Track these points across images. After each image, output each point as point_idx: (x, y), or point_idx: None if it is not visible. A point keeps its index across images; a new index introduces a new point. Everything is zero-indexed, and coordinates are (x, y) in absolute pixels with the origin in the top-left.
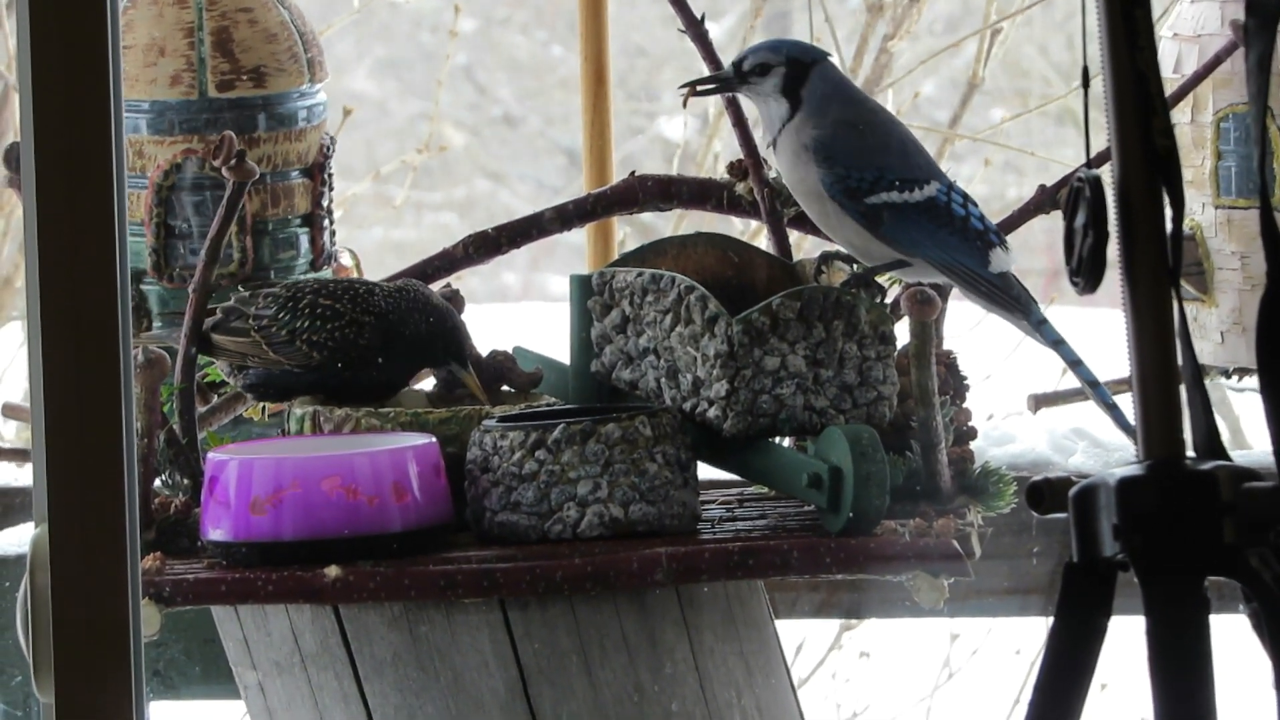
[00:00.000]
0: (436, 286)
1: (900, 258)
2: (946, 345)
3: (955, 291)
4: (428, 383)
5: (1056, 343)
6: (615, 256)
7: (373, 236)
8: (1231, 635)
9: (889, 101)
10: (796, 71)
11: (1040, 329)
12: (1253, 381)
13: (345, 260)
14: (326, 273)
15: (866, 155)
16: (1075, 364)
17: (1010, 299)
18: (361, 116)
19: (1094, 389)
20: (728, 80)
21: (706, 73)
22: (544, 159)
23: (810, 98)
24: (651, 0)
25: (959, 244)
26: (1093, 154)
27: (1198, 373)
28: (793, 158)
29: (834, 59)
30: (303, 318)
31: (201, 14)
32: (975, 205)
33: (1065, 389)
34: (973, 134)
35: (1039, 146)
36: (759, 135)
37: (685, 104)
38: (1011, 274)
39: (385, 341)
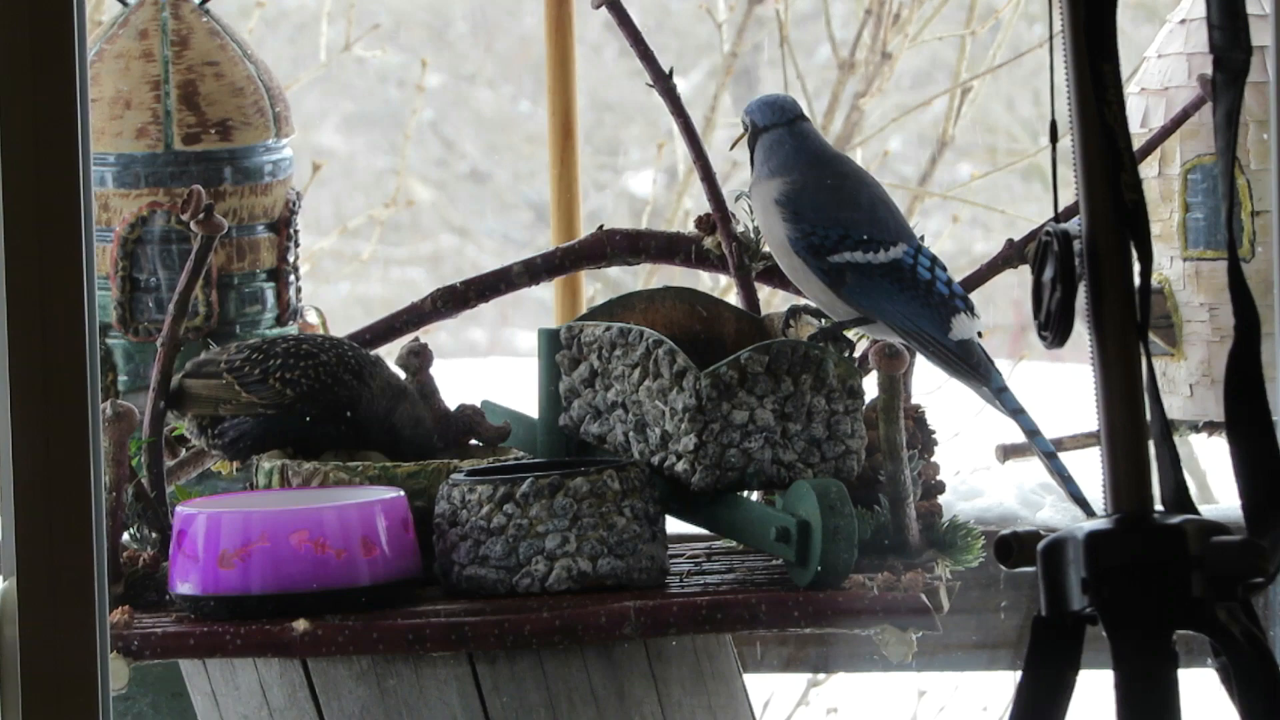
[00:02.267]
0: (404, 340)
1: (851, 314)
2: (914, 400)
3: None
4: None
5: (1016, 411)
6: (583, 311)
7: (339, 291)
8: (1200, 690)
9: (859, 159)
10: (759, 131)
11: (1000, 396)
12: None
13: (311, 318)
14: (292, 328)
15: (832, 212)
16: (1033, 434)
17: (969, 367)
18: (329, 171)
19: (1049, 459)
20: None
21: (674, 127)
22: (511, 214)
23: (775, 153)
24: (619, 55)
25: (920, 309)
26: (1061, 208)
27: (1166, 427)
28: (763, 210)
29: (807, 119)
30: (276, 357)
31: (168, 67)
32: (943, 269)
33: None
34: (942, 191)
35: (1006, 203)
36: (728, 190)
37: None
38: (974, 341)
39: (354, 400)
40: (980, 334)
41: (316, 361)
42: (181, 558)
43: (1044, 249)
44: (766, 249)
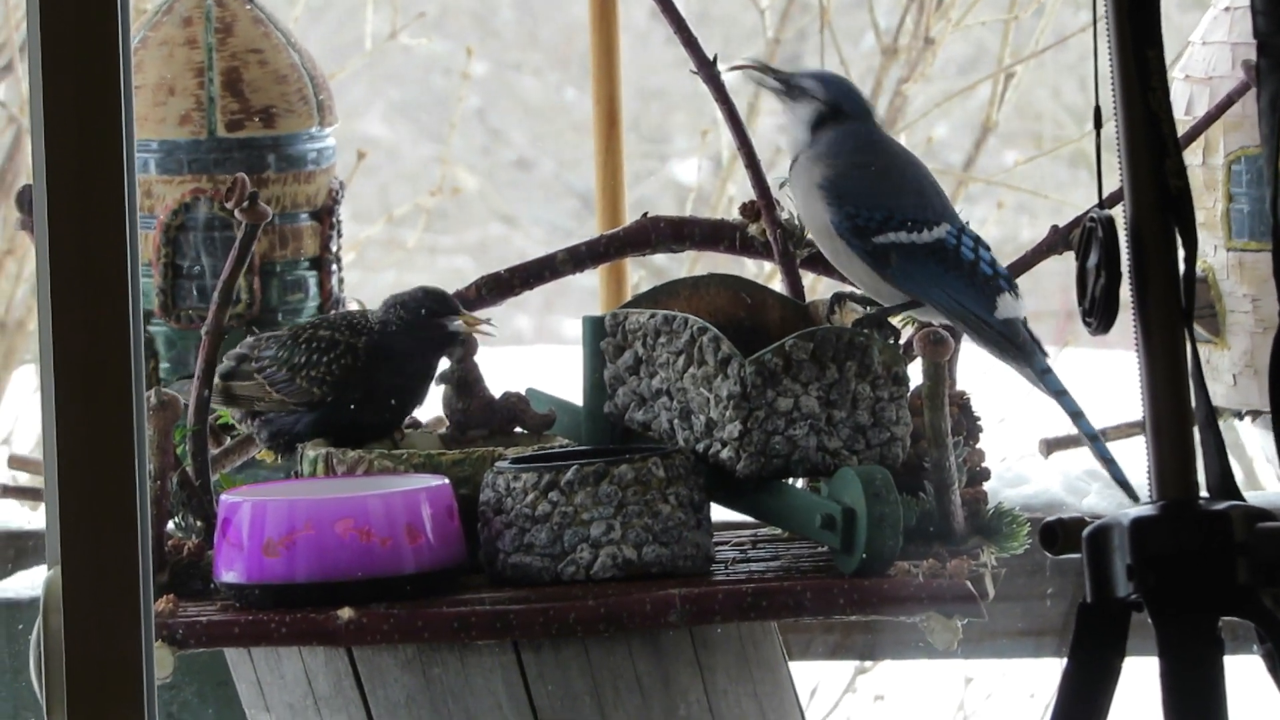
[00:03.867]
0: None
1: (911, 298)
2: (960, 386)
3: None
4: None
5: (1059, 393)
6: (628, 299)
7: (385, 280)
8: (1245, 676)
9: (903, 144)
10: (831, 113)
11: (1044, 378)
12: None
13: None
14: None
15: (877, 194)
16: (1076, 415)
17: (1015, 346)
18: (374, 160)
19: (1093, 442)
20: (775, 87)
21: (718, 114)
22: (557, 202)
23: (834, 138)
24: (664, 43)
25: (965, 288)
26: (1105, 194)
27: (1211, 413)
28: (804, 194)
29: (878, 118)
30: (300, 353)
31: (211, 54)
32: (987, 249)
33: (1077, 433)
34: (986, 177)
35: (1052, 189)
36: (772, 177)
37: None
38: (1019, 321)
39: (385, 353)
40: (1024, 318)
41: (337, 350)
42: (226, 546)
43: (1088, 235)
44: (810, 236)
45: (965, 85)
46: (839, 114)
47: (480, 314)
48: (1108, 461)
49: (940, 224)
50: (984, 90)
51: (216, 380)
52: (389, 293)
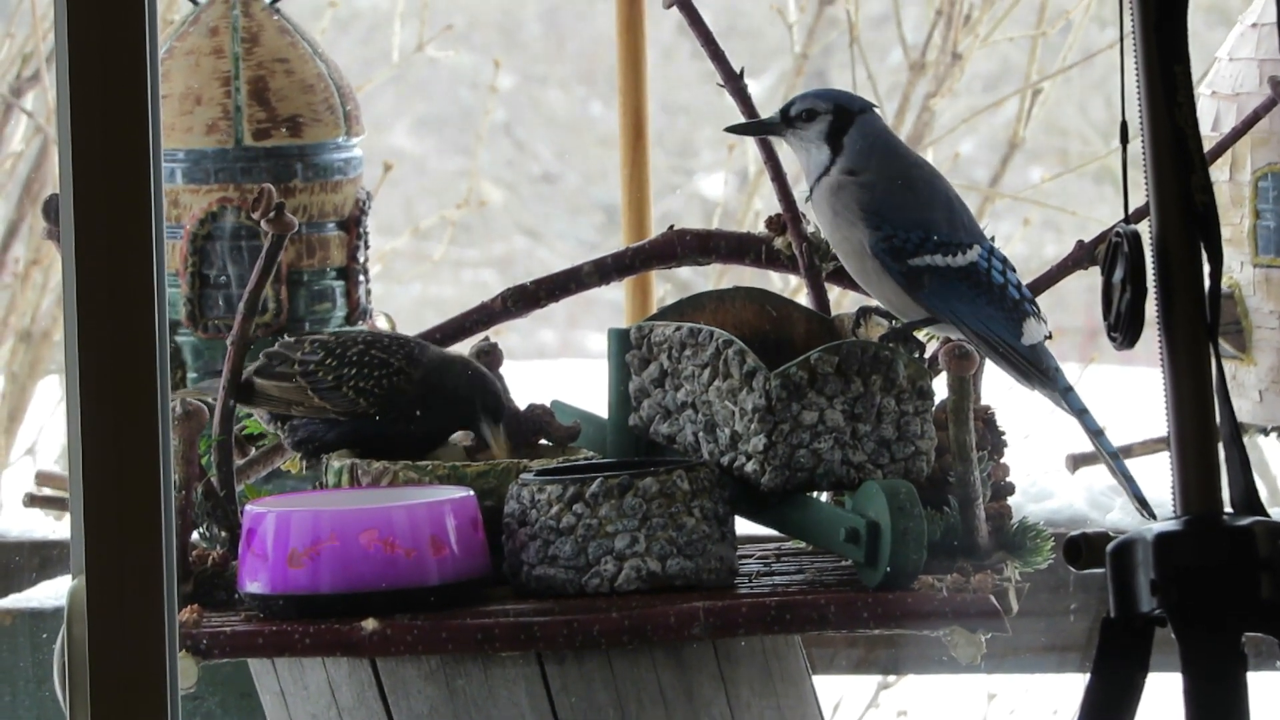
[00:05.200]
0: (474, 340)
1: (920, 315)
2: (984, 401)
3: None
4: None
5: (1081, 412)
6: (653, 312)
7: (411, 292)
8: (1269, 692)
9: (930, 160)
10: (842, 119)
11: (1066, 397)
12: None
13: (381, 323)
14: (362, 329)
15: (914, 215)
16: (1097, 434)
17: (1039, 372)
18: (400, 173)
19: (1113, 459)
20: (773, 124)
21: None
22: (582, 216)
23: (851, 145)
24: (691, 57)
25: (995, 313)
26: (1131, 210)
27: (1236, 429)
28: (833, 214)
29: (879, 110)
30: (350, 364)
31: (238, 63)
32: (1013, 271)
33: None
34: (1013, 193)
35: (1078, 205)
36: (798, 190)
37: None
38: (1043, 345)
39: (427, 394)
40: (1049, 336)
41: (390, 370)
42: (250, 556)
43: (1114, 250)
44: (835, 251)
45: (992, 101)
46: (846, 114)
47: (505, 328)
48: (1127, 479)
49: (973, 246)
50: (1011, 106)
51: (249, 374)
52: (414, 306)
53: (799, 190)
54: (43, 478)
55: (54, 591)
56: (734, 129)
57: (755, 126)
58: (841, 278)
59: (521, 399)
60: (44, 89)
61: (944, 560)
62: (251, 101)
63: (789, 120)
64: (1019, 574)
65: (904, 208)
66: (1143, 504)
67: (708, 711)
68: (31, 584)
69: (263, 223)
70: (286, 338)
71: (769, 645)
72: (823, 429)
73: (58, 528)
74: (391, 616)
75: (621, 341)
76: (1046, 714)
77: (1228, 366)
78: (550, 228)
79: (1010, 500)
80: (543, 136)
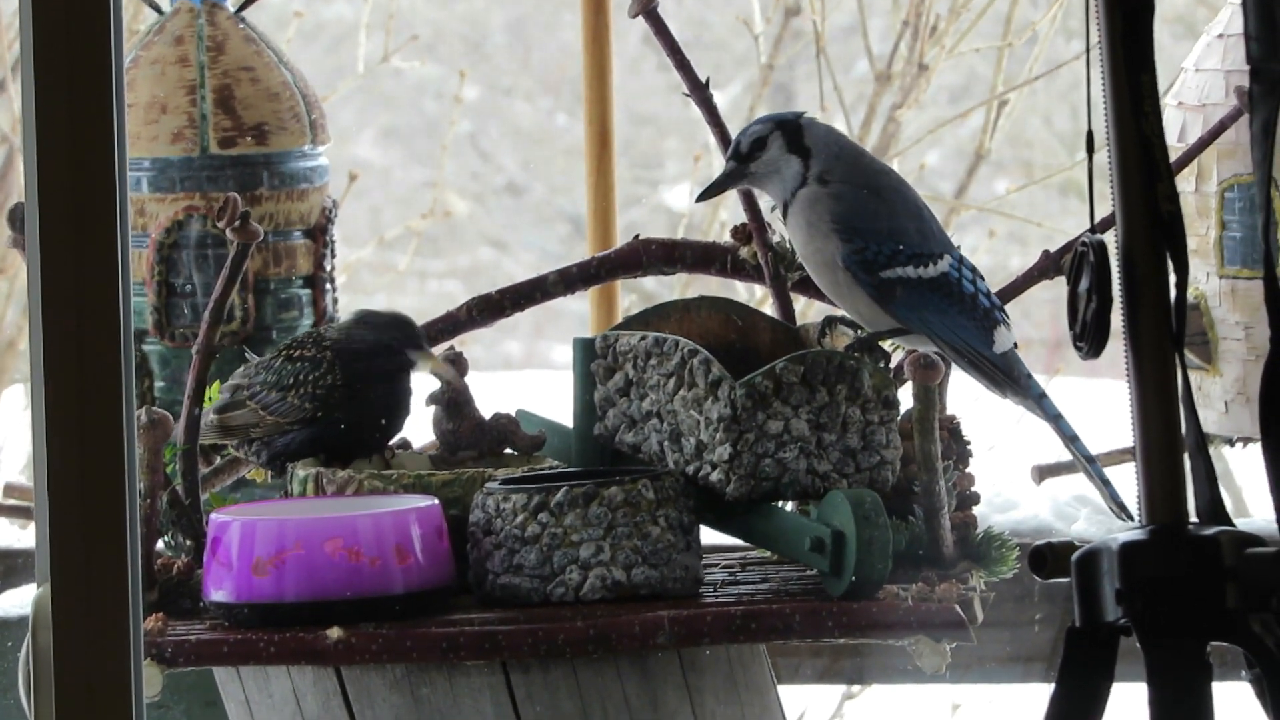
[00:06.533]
0: (439, 349)
1: (891, 326)
2: (950, 411)
3: None
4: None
5: (1055, 417)
6: (619, 322)
7: (376, 303)
8: (1234, 702)
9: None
10: (790, 130)
11: (1040, 403)
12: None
13: None
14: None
15: (884, 225)
16: (1072, 439)
17: (1011, 380)
18: (365, 184)
19: (1089, 464)
20: (733, 172)
21: (710, 140)
22: (548, 227)
23: (815, 146)
24: (656, 69)
25: (966, 323)
26: (1097, 219)
27: (1201, 439)
28: (808, 227)
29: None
30: (286, 374)
31: (204, 72)
32: (983, 280)
33: (1070, 459)
34: (979, 205)
35: (1043, 217)
36: (764, 201)
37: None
38: (1014, 353)
39: (351, 367)
40: (1015, 345)
41: (316, 365)
42: (215, 565)
43: (1080, 259)
44: (802, 262)
45: (958, 113)
46: (790, 125)
47: (470, 339)
48: (1104, 484)
49: (943, 256)
50: (976, 118)
51: (212, 416)
52: None
53: (765, 201)
54: (9, 489)
55: (19, 600)
56: (703, 196)
57: (720, 183)
58: (807, 287)
59: (487, 409)
60: (9, 98)
61: (909, 570)
62: (217, 110)
63: (745, 158)
64: (984, 584)
65: (875, 217)
66: (1121, 508)
67: None
68: None
69: (228, 231)
70: (240, 369)
71: (734, 654)
72: (788, 438)
73: (23, 536)
74: (356, 625)
75: (587, 351)
76: None
77: (1193, 377)
78: (516, 239)
79: (975, 510)
80: (508, 147)
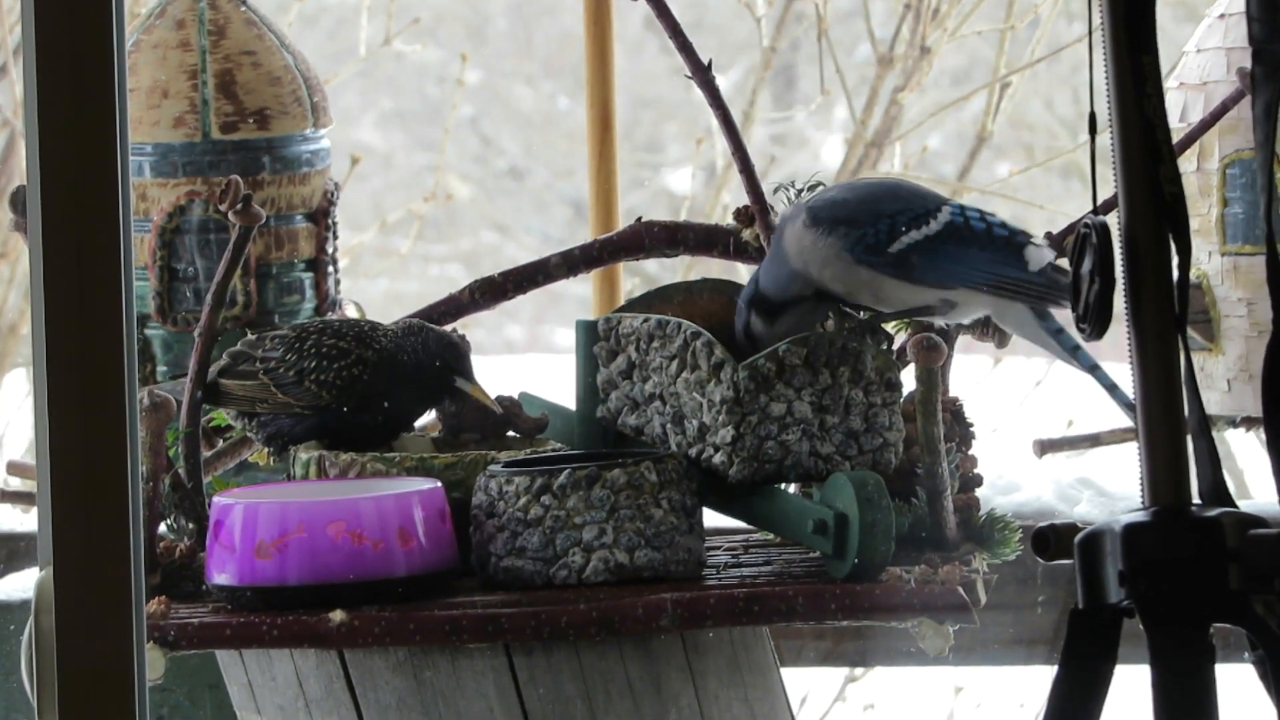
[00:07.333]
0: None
1: (927, 303)
2: (953, 393)
3: (962, 342)
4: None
5: (1093, 368)
6: (621, 305)
7: (378, 287)
8: (1237, 684)
9: (897, 154)
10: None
11: (1076, 355)
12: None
13: (350, 312)
14: (317, 319)
15: (874, 211)
16: (1112, 388)
17: (1059, 291)
18: (367, 167)
19: (1130, 411)
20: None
21: (712, 123)
22: (550, 211)
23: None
24: (658, 52)
25: (991, 256)
26: (1100, 201)
27: (1204, 420)
28: (801, 248)
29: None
30: (310, 357)
31: (205, 56)
32: (993, 215)
33: (1072, 436)
34: (980, 188)
35: (1045, 200)
36: (767, 183)
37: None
38: (1053, 263)
39: (389, 374)
40: (1056, 257)
41: (348, 359)
42: (218, 548)
43: (1083, 241)
44: (827, 285)
45: (960, 95)
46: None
47: (472, 322)
48: (1128, 407)
49: (940, 209)
50: (978, 101)
51: (212, 376)
52: (381, 301)
53: (767, 183)
54: (13, 467)
55: (21, 583)
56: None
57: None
58: None
59: (489, 392)
60: (11, 82)
61: (912, 552)
62: (218, 95)
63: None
64: (987, 566)
65: (863, 208)
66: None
67: (675, 703)
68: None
69: (230, 215)
70: (249, 335)
71: (737, 637)
72: (790, 421)
73: (25, 520)
74: (359, 608)
75: (589, 333)
76: (1014, 706)
77: (1196, 358)
78: (518, 222)
79: (978, 492)
80: (510, 131)
